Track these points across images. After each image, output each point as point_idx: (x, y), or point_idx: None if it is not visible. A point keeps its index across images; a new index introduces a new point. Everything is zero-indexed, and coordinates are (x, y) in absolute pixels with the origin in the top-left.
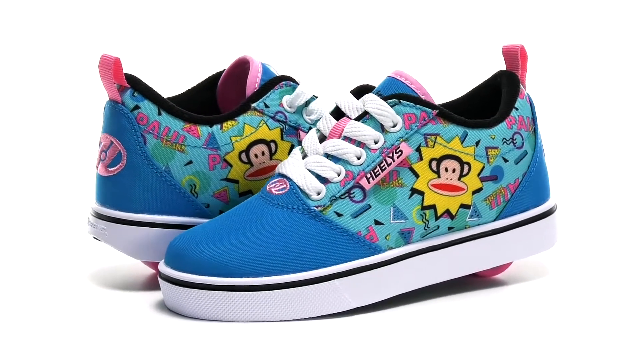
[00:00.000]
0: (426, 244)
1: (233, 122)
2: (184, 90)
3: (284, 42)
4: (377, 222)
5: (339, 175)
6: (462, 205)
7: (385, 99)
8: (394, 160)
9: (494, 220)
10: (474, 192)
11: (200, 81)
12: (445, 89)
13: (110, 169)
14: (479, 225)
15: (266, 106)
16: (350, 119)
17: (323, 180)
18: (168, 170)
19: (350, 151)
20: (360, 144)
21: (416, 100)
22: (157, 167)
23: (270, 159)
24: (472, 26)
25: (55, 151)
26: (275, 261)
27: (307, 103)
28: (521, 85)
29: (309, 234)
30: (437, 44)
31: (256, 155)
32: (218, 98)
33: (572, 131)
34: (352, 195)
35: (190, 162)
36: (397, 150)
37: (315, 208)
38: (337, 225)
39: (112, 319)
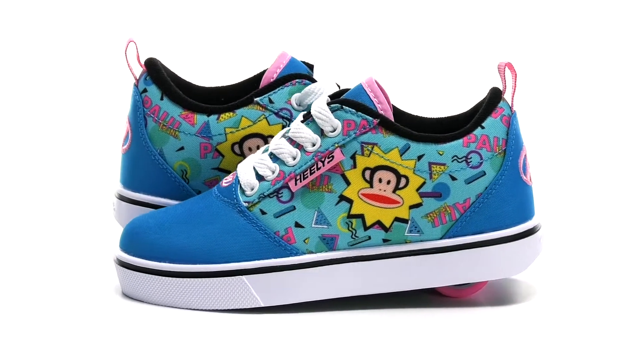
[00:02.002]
0: (355, 253)
1: (231, 113)
2: (236, 82)
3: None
4: (297, 225)
5: (273, 173)
6: (398, 219)
7: (330, 103)
8: (324, 165)
9: (440, 238)
10: (411, 207)
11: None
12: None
13: (123, 147)
14: (421, 241)
15: (271, 102)
16: None
17: (260, 177)
18: (162, 153)
19: (286, 151)
20: (298, 145)
21: (359, 107)
22: (152, 150)
23: None
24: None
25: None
26: (192, 250)
27: None
28: (502, 104)
29: (229, 228)
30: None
31: (250, 149)
32: None
33: (566, 151)
34: (279, 195)
35: (182, 148)
36: (330, 156)
37: (244, 204)
38: (257, 223)
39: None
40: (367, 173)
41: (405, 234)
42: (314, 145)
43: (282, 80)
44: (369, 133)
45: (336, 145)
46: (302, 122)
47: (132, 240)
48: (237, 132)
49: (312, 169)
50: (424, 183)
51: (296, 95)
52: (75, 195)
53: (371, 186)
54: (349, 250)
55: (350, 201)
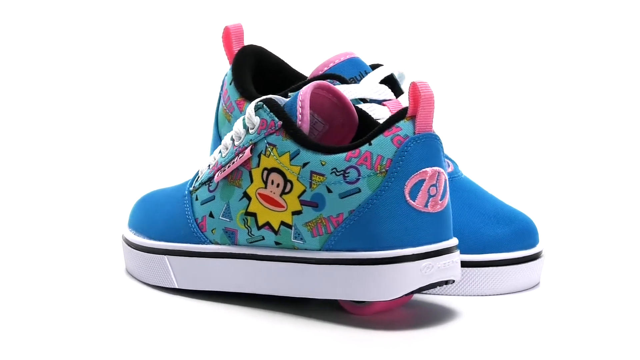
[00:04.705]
0: (252, 251)
1: None
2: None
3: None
4: (210, 214)
5: (214, 161)
6: (283, 223)
7: (259, 101)
8: (237, 160)
9: (319, 250)
10: (293, 213)
11: None
12: None
13: None
14: (305, 250)
15: None
16: None
17: (208, 165)
18: (220, 135)
19: (223, 143)
20: (233, 139)
21: (273, 108)
22: (216, 131)
23: None
24: None
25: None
26: (147, 225)
27: None
28: (402, 124)
29: (171, 209)
30: None
31: None
32: None
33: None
34: (210, 184)
35: None
36: (242, 152)
37: (190, 188)
38: (189, 208)
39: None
40: (265, 173)
41: (292, 240)
42: (239, 139)
43: (319, 77)
44: (274, 134)
45: (251, 142)
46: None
47: (131, 211)
48: None
49: (230, 162)
50: (304, 191)
51: None
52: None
53: (265, 187)
54: (247, 247)
55: (249, 198)
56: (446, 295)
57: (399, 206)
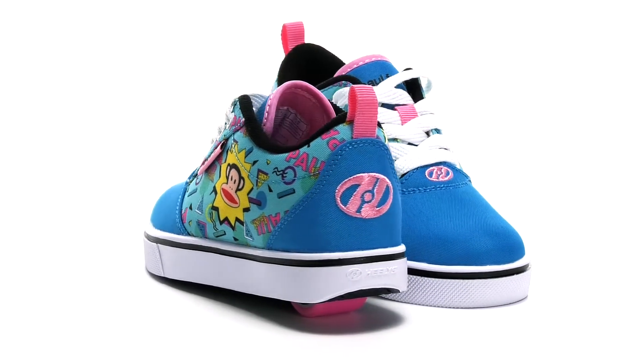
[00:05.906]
0: (217, 245)
1: None
2: None
3: None
4: (190, 206)
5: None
6: (237, 220)
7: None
8: (212, 155)
9: (263, 248)
10: (244, 210)
11: None
12: None
13: None
14: (254, 247)
15: None
16: None
17: None
18: None
19: (212, 137)
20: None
21: (243, 104)
22: None
23: None
24: None
25: None
26: (154, 214)
27: None
28: (340, 127)
29: (172, 200)
30: None
31: None
32: None
33: None
34: (197, 177)
35: None
36: (217, 147)
37: (187, 181)
38: (180, 199)
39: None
40: (228, 169)
41: (245, 237)
42: (220, 134)
43: (337, 78)
44: (239, 131)
45: (224, 138)
46: None
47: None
48: None
49: (209, 156)
50: (252, 189)
51: (334, 95)
52: None
53: (227, 182)
54: (214, 241)
55: (216, 193)
56: (420, 305)
57: (329, 210)
